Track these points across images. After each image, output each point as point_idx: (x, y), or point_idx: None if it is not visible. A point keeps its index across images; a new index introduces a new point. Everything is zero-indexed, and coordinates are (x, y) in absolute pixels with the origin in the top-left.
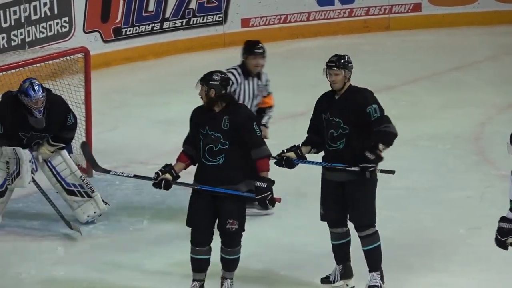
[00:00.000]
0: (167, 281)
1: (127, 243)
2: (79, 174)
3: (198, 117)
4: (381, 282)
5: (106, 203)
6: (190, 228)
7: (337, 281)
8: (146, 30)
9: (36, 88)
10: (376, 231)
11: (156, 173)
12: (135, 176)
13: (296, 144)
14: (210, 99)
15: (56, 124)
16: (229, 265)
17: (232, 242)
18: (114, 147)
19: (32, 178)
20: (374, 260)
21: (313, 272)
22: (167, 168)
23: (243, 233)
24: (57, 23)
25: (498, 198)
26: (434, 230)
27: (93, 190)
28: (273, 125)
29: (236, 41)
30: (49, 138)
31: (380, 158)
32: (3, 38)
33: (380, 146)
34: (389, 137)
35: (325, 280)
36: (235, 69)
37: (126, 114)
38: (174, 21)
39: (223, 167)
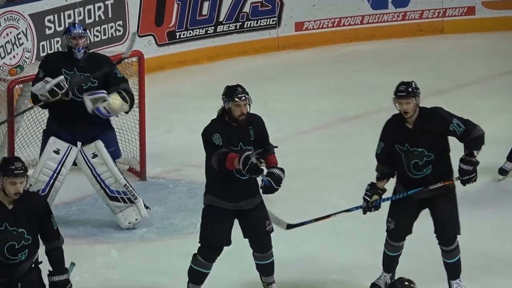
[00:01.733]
0: (219, 285)
1: (180, 246)
2: (124, 182)
3: (225, 133)
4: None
5: (147, 207)
6: (206, 244)
7: None
8: (200, 33)
9: (77, 25)
10: (457, 242)
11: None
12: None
13: (370, 183)
14: (247, 112)
15: (100, 67)
16: (269, 270)
17: (266, 246)
18: (168, 151)
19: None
20: (457, 270)
21: (362, 276)
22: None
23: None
24: (111, 27)
25: None
26: (485, 233)
27: (136, 197)
28: (327, 128)
29: (289, 45)
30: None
31: (477, 164)
32: (57, 41)
33: (475, 153)
34: (481, 140)
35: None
36: None
37: (180, 118)
38: (228, 25)
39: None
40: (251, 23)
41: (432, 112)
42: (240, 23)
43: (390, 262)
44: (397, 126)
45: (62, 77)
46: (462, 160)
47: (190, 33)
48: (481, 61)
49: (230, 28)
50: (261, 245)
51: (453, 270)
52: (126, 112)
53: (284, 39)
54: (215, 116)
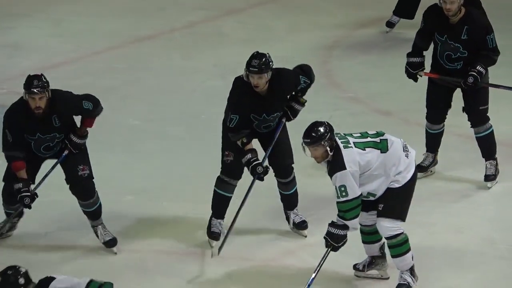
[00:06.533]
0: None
1: None
2: None
3: (23, 124)
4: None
5: None
6: (5, 183)
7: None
8: None
9: None
10: (294, 174)
11: (25, 198)
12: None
13: (247, 152)
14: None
15: None
16: (94, 215)
17: (87, 192)
18: None
19: None
20: (294, 201)
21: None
22: (26, 184)
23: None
24: None
25: (346, 120)
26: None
27: None
28: (120, 48)
29: None
30: None
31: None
32: None
33: None
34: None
35: (214, 236)
36: None
37: None
38: None
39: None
40: None
41: (281, 77)
42: None
43: (219, 204)
44: (250, 97)
45: None
46: (297, 102)
47: None
48: None
49: None
50: (79, 191)
51: (290, 201)
52: None
53: None
54: (7, 37)
